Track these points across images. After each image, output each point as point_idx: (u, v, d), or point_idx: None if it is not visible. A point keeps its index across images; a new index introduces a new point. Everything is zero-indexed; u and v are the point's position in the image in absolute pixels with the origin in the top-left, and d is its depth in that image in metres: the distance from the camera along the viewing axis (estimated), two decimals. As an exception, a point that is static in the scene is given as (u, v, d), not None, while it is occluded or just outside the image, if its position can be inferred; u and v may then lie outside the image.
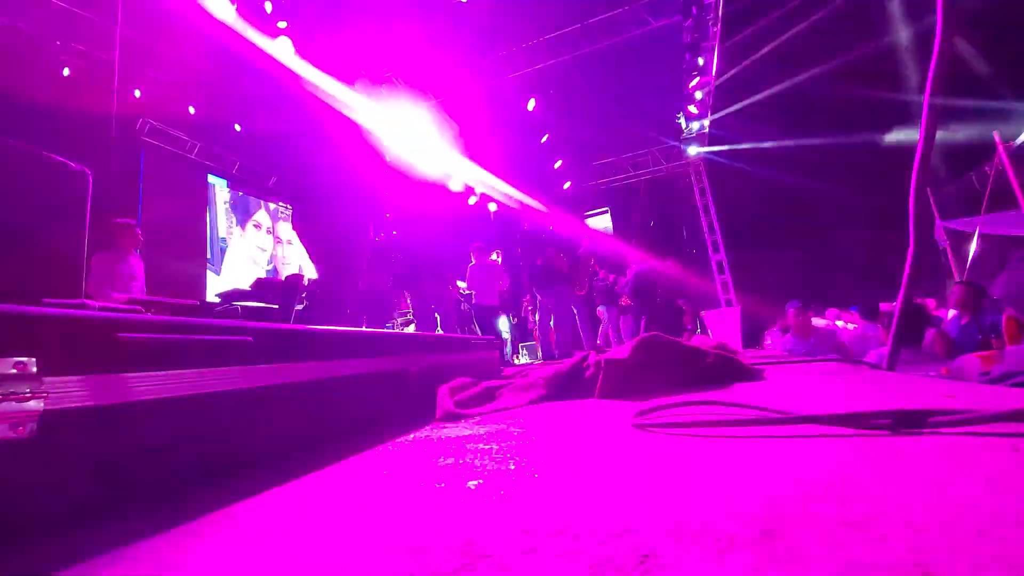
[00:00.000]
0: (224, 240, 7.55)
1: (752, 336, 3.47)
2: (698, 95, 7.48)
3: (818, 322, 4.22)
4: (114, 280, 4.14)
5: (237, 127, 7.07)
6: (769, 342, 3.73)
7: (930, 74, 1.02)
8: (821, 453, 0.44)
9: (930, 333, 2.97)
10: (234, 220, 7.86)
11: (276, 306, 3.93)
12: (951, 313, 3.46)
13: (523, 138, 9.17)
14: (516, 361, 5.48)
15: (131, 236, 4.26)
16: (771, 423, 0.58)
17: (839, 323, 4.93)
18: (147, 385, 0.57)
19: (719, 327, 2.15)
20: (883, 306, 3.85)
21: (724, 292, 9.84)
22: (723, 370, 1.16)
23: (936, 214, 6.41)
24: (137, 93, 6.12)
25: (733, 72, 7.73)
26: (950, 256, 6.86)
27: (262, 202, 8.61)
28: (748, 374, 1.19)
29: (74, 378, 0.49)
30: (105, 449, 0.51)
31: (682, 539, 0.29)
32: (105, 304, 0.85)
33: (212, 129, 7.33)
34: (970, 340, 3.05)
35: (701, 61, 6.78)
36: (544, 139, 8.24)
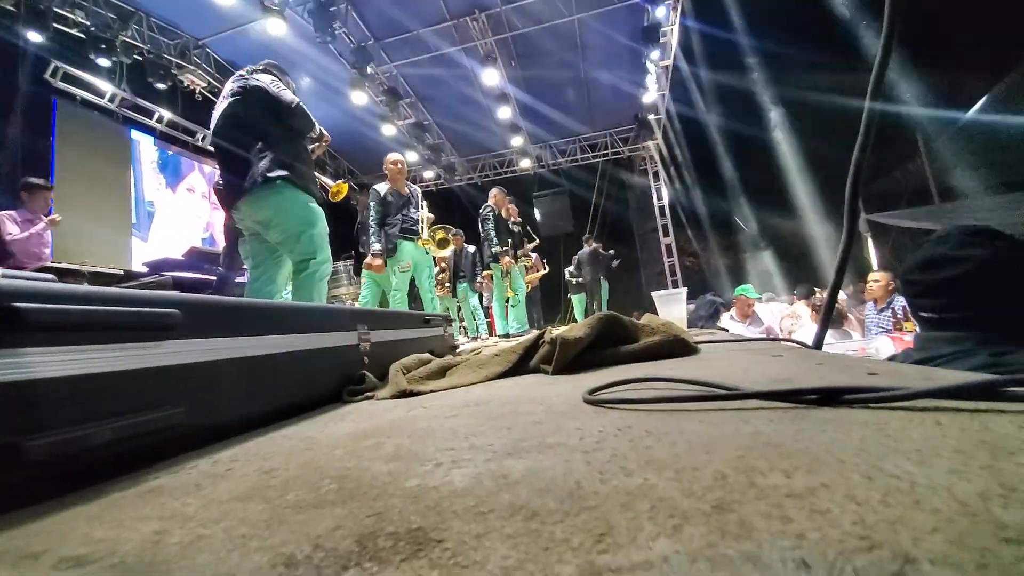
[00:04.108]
0: (151, 204, 6.89)
1: (708, 319, 3.69)
2: (654, 75, 7.55)
3: (761, 306, 4.51)
4: (22, 245, 3.70)
5: (160, 85, 6.37)
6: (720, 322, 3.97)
7: (872, 78, 1.06)
8: (763, 428, 0.46)
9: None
10: (163, 182, 7.18)
11: (214, 278, 3.66)
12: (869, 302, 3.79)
13: (478, 112, 8.92)
14: (468, 337, 5.47)
15: (42, 199, 3.80)
16: (714, 399, 0.60)
17: (774, 304, 5.29)
18: (53, 362, 0.50)
19: (667, 307, 2.25)
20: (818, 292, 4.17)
21: (671, 274, 10.27)
22: (670, 347, 1.20)
23: (861, 208, 6.96)
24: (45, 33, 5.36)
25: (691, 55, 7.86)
26: (872, 247, 7.51)
27: (195, 163, 7.90)
28: (693, 351, 1.24)
29: (-47, 352, 0.42)
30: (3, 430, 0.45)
31: (638, 516, 0.28)
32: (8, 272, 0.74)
33: (136, 77, 6.56)
34: (885, 324, 3.37)
35: (661, 40, 6.83)
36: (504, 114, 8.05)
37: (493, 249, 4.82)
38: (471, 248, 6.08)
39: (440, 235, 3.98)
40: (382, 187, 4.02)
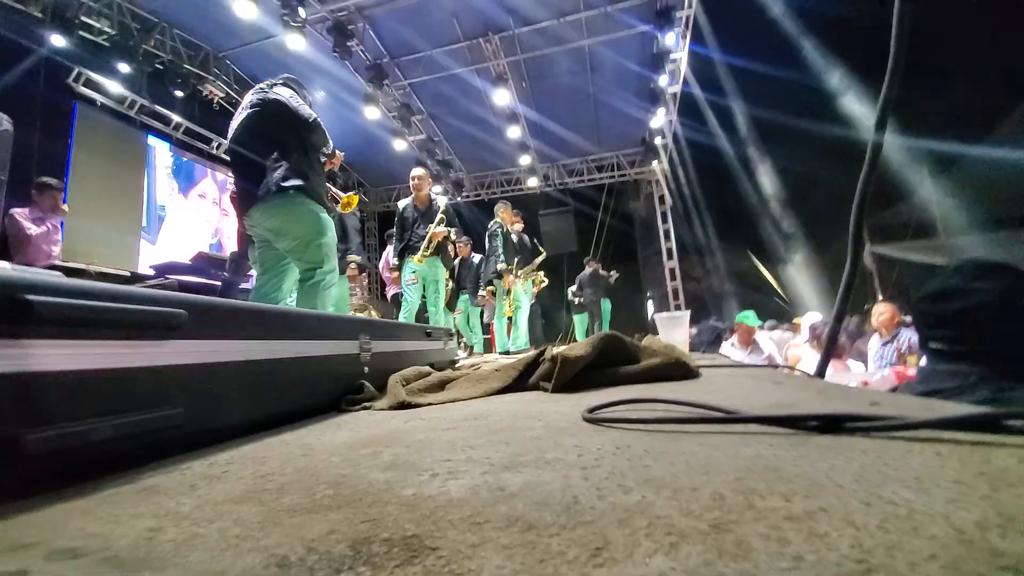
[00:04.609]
0: (163, 208, 6.98)
1: (709, 344, 3.68)
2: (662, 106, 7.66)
3: (762, 334, 4.49)
4: (32, 241, 3.76)
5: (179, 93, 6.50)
6: (721, 347, 3.96)
7: (878, 110, 1.08)
8: (763, 452, 0.45)
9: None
10: (176, 187, 7.29)
11: (219, 283, 3.69)
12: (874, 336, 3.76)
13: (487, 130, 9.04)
14: (471, 354, 5.44)
15: (51, 197, 3.86)
16: (715, 422, 0.60)
17: (776, 333, 5.26)
18: (61, 354, 0.51)
19: (669, 330, 2.24)
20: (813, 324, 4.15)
21: (674, 298, 10.25)
22: (671, 370, 1.19)
23: (867, 239, 6.98)
24: (70, 39, 5.52)
25: (699, 80, 7.98)
26: (876, 279, 7.49)
27: (208, 170, 8.04)
28: (693, 375, 1.24)
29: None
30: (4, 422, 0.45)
31: (635, 532, 0.28)
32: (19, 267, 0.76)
33: (155, 85, 6.72)
34: (889, 357, 3.34)
35: (669, 67, 6.95)
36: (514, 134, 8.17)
37: (499, 266, 4.81)
38: (476, 258, 6.03)
39: (435, 244, 3.91)
40: (404, 202, 4.10)
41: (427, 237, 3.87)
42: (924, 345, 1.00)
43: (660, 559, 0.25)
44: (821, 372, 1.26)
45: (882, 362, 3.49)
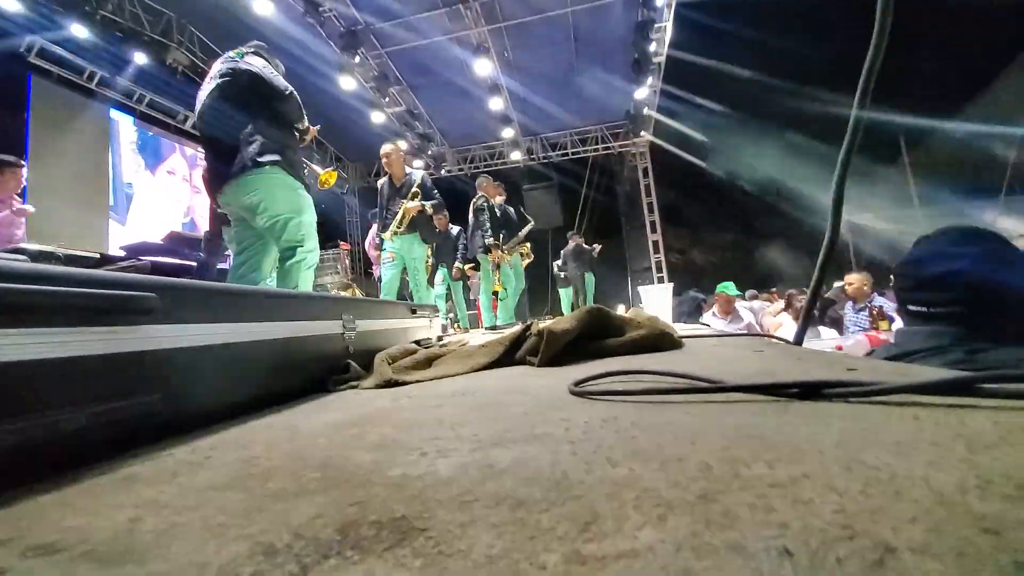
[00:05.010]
0: (130, 186, 6.69)
1: (689, 315, 3.74)
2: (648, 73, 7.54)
3: (741, 304, 4.58)
4: (-6, 224, 3.57)
5: (141, 60, 6.13)
6: (702, 317, 4.03)
7: (860, 83, 1.08)
8: (746, 420, 0.46)
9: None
10: (142, 164, 6.97)
11: (194, 264, 3.58)
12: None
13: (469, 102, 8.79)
14: (458, 330, 5.44)
15: (10, 179, 3.65)
16: (699, 391, 0.60)
17: (756, 303, 5.38)
18: (23, 344, 0.48)
19: (653, 302, 2.26)
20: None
21: (657, 271, 10.36)
22: (655, 341, 1.21)
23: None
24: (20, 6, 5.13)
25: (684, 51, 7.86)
26: (851, 249, 7.68)
27: (176, 145, 7.69)
28: (678, 345, 1.26)
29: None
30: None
31: (623, 505, 0.28)
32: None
33: (115, 55, 6.32)
34: (862, 322, 3.46)
35: (655, 36, 6.82)
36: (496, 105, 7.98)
37: (486, 241, 4.72)
38: (455, 229, 5.83)
39: (407, 219, 3.76)
40: (383, 180, 3.97)
41: (399, 212, 3.76)
42: (903, 307, 1.03)
43: (648, 532, 0.25)
44: (799, 339, 1.30)
45: (855, 328, 3.61)
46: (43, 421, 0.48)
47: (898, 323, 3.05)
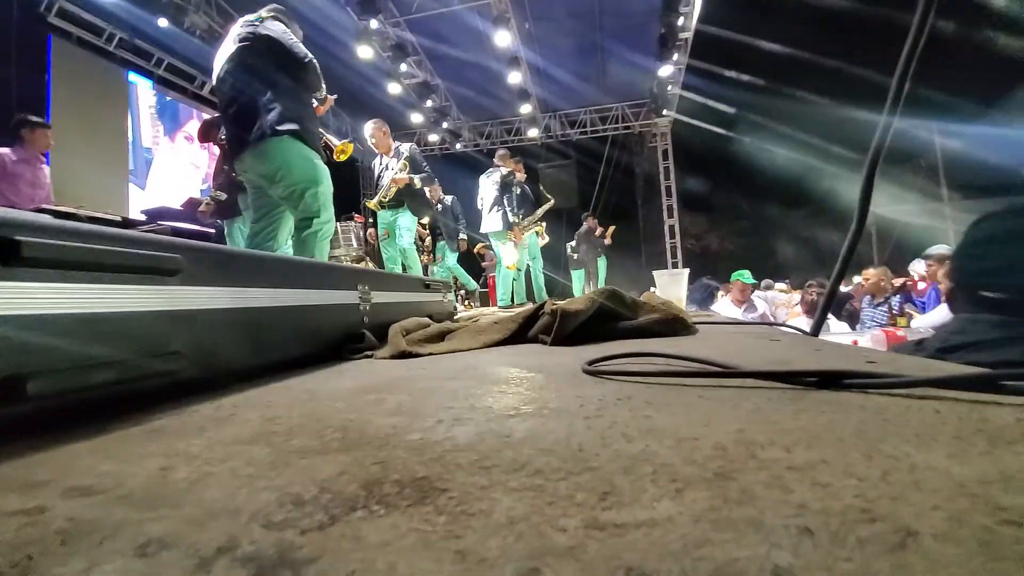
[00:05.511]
0: (149, 151, 6.73)
1: (701, 302, 3.72)
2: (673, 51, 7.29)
3: (757, 293, 4.53)
4: (15, 184, 3.64)
5: (163, 23, 6.08)
6: (715, 305, 4.00)
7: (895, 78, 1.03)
8: (762, 405, 0.46)
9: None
10: (161, 129, 7.00)
11: (213, 231, 3.62)
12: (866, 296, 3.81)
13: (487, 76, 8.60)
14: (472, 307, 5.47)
15: (40, 137, 3.71)
16: (714, 376, 0.60)
17: (771, 292, 5.31)
18: (54, 299, 0.50)
19: (668, 287, 2.25)
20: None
21: (672, 256, 10.24)
22: (669, 326, 1.20)
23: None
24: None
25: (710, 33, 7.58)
26: (874, 239, 7.49)
27: (194, 111, 7.69)
28: (691, 331, 1.25)
29: (-45, 281, 0.41)
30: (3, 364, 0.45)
31: (640, 478, 0.29)
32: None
33: (135, 18, 6.29)
34: (880, 318, 3.40)
35: (683, 10, 6.56)
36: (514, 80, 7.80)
37: (511, 219, 4.72)
38: (449, 199, 5.74)
39: (393, 191, 3.71)
40: (375, 159, 3.95)
41: (387, 185, 3.74)
42: (966, 293, 0.93)
43: (667, 504, 0.25)
44: (816, 331, 1.28)
45: (872, 323, 3.55)
46: (73, 373, 0.50)
47: (919, 319, 2.99)
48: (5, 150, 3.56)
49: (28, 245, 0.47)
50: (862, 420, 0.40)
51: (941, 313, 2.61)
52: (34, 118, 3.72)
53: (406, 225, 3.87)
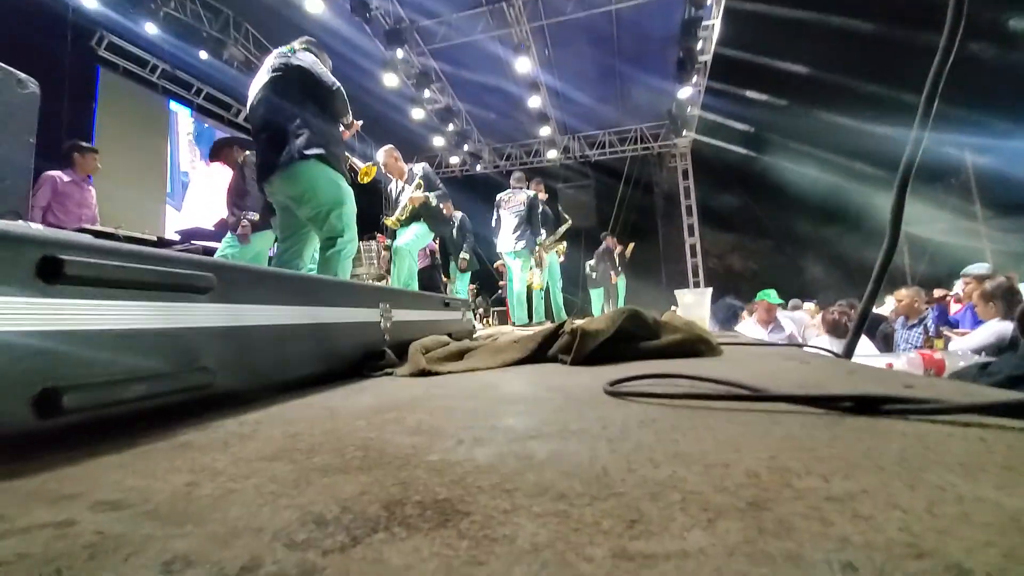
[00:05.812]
0: (186, 175, 7.06)
1: (725, 322, 3.63)
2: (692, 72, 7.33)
3: (783, 313, 4.41)
4: (64, 204, 3.86)
5: (204, 55, 6.46)
6: (739, 325, 3.91)
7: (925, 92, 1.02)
8: (795, 431, 0.44)
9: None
10: (198, 154, 7.35)
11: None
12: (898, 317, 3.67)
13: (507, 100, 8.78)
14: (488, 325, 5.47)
15: (90, 161, 3.94)
16: (742, 399, 0.58)
17: (798, 313, 5.16)
18: (92, 315, 0.52)
19: (690, 307, 2.20)
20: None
21: (694, 275, 10.09)
22: (692, 347, 1.18)
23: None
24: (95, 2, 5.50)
25: (728, 55, 7.61)
26: (906, 258, 7.24)
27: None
28: (716, 352, 1.22)
29: (3, 299, 0.43)
30: (38, 378, 0.47)
31: (669, 506, 0.28)
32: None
33: (177, 50, 6.69)
34: (915, 340, 3.26)
35: (701, 34, 6.62)
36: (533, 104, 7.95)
37: (538, 239, 4.77)
38: (458, 216, 5.67)
39: (411, 208, 3.74)
40: (391, 184, 4.04)
41: (403, 203, 3.79)
42: None
43: (698, 534, 0.24)
44: (849, 352, 1.23)
45: (907, 345, 3.40)
46: (107, 387, 0.52)
47: (957, 341, 2.85)
48: (57, 172, 3.79)
49: (70, 264, 0.50)
50: (903, 448, 0.38)
51: (983, 335, 2.49)
52: (85, 144, 3.96)
53: (413, 230, 3.88)
